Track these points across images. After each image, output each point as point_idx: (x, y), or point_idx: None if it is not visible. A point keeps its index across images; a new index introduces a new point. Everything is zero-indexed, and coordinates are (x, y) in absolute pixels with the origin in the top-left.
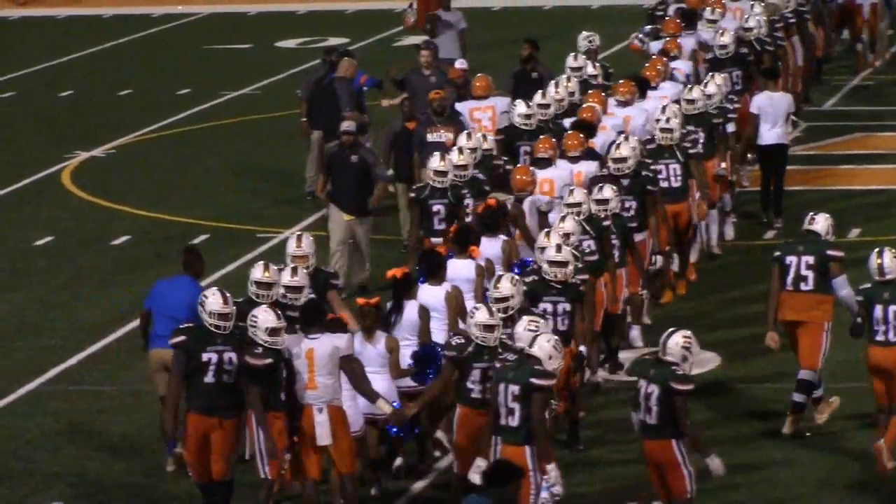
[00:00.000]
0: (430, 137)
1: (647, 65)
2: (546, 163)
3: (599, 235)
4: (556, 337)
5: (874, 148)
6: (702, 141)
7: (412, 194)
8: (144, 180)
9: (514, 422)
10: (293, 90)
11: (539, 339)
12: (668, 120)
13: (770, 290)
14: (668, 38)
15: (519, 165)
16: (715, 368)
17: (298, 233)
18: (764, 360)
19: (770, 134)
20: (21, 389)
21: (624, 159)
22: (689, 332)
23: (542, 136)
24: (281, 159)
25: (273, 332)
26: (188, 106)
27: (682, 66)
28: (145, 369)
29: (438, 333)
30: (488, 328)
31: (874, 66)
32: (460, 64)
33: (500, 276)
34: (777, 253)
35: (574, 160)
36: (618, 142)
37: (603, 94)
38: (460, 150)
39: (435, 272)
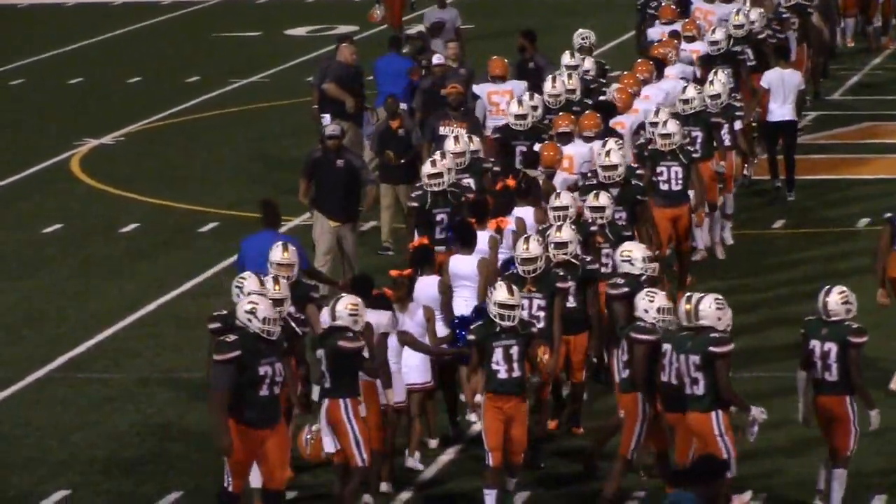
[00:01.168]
0: (443, 131)
1: (656, 44)
2: (567, 138)
3: (585, 241)
4: (714, 295)
5: (883, 137)
6: (700, 141)
7: (414, 203)
8: (153, 168)
9: (699, 390)
10: (302, 78)
11: (702, 305)
12: (665, 124)
13: (878, 248)
14: (686, 21)
15: (546, 143)
16: None
17: (282, 242)
18: (768, 365)
19: (780, 110)
20: (29, 377)
21: (614, 167)
22: (843, 287)
23: (561, 113)
24: (290, 148)
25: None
26: (197, 94)
27: (699, 48)
28: (153, 357)
29: (471, 301)
30: (507, 307)
31: (888, 48)
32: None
33: (528, 237)
34: (888, 214)
35: (589, 140)
36: (608, 148)
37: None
38: (442, 156)
39: (467, 242)
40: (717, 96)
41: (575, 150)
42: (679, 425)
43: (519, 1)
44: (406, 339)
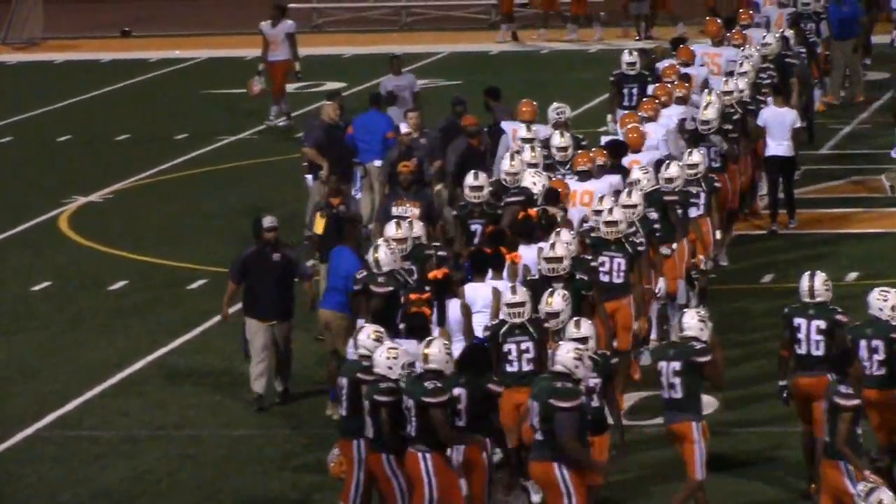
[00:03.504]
0: (395, 211)
1: (657, 85)
2: (586, 175)
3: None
4: (697, 310)
5: (871, 191)
6: (656, 224)
7: (455, 213)
8: (142, 225)
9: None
10: (291, 135)
11: (685, 319)
12: (611, 211)
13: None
14: (657, 86)
15: (555, 179)
16: (712, 412)
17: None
18: (762, 405)
19: (777, 148)
20: (19, 434)
21: (559, 259)
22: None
23: (580, 151)
24: (279, 204)
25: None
26: (186, 151)
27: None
28: (142, 414)
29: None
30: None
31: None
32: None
33: (552, 291)
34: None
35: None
36: (551, 241)
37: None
38: (387, 241)
39: (481, 270)
40: (671, 180)
41: (595, 186)
42: None
43: (516, 54)
44: None
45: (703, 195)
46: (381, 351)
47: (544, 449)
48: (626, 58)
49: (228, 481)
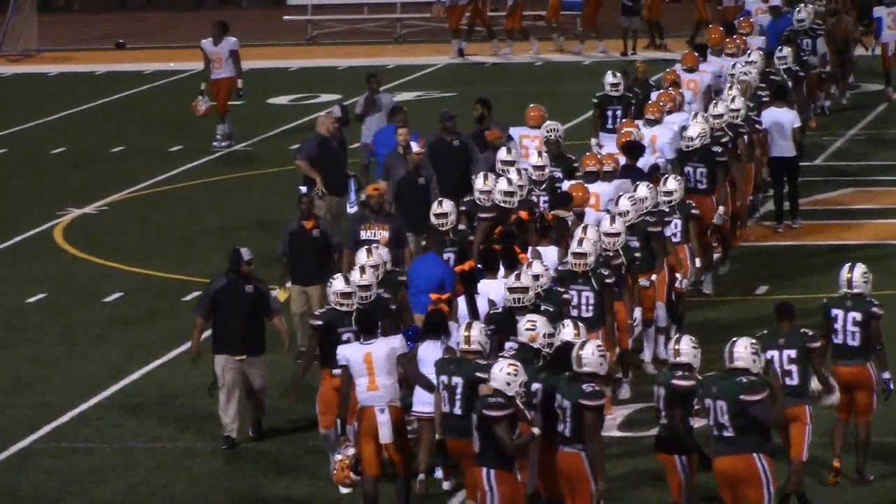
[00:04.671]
0: (364, 235)
1: (660, 93)
2: (593, 177)
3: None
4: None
5: (866, 203)
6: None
7: (423, 243)
8: (137, 237)
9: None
10: (285, 147)
11: (737, 347)
12: (580, 242)
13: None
14: (669, 70)
15: (574, 182)
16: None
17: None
18: None
19: (780, 149)
20: (14, 447)
21: (524, 289)
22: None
23: (587, 153)
24: (274, 216)
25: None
26: (180, 163)
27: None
28: (137, 426)
29: None
30: (519, 290)
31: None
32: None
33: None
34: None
35: (609, 178)
36: (517, 271)
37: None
38: (363, 270)
39: (494, 267)
40: (643, 200)
41: (602, 189)
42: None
43: (510, 66)
44: (410, 362)
45: (678, 223)
46: (500, 366)
47: (739, 444)
48: (609, 79)
49: (223, 493)
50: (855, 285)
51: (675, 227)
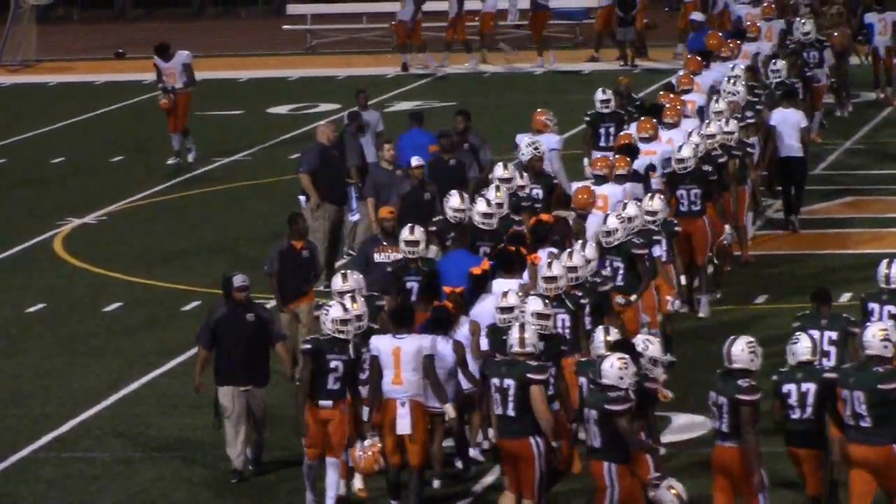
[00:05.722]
0: (378, 258)
1: (672, 97)
2: (602, 180)
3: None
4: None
5: (865, 211)
6: (621, 271)
7: (389, 269)
8: (136, 247)
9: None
10: (285, 156)
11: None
12: (550, 265)
13: None
14: (682, 74)
15: (581, 185)
16: (705, 433)
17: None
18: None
19: (787, 149)
20: (14, 456)
21: (510, 308)
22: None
23: (598, 156)
24: (273, 226)
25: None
26: (179, 172)
27: (696, 99)
28: (137, 436)
29: None
30: (507, 310)
31: (891, 103)
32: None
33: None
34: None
35: (621, 181)
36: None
37: (654, 120)
38: (353, 299)
39: (510, 267)
40: (632, 219)
41: (610, 191)
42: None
43: (510, 76)
44: (432, 369)
45: (663, 241)
46: (611, 361)
47: (879, 435)
48: (599, 96)
49: (223, 502)
50: (892, 281)
51: (661, 248)
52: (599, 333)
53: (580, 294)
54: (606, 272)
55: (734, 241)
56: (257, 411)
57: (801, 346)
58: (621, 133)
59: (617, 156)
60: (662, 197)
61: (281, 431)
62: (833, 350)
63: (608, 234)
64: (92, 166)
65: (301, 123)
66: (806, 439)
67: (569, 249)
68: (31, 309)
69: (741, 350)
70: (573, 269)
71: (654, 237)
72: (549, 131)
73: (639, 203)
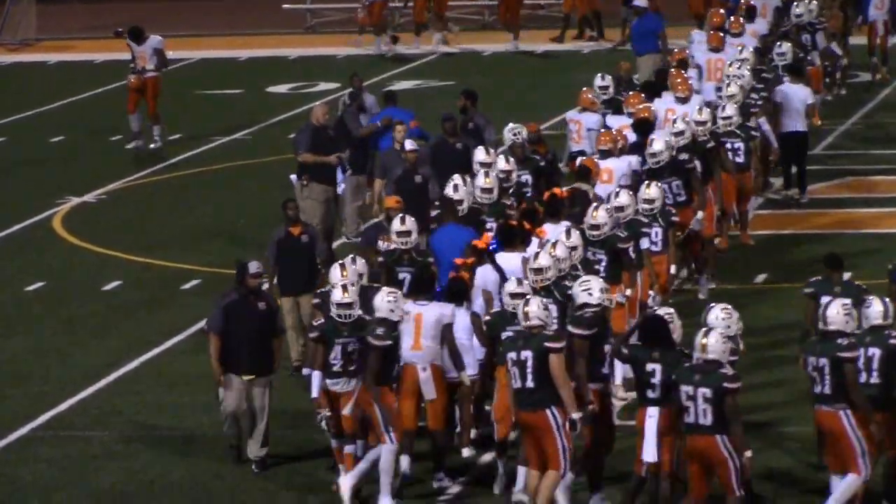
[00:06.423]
0: (384, 247)
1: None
2: (607, 154)
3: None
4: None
5: (864, 191)
6: (604, 263)
7: (381, 259)
8: (136, 225)
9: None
10: (285, 135)
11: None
12: (536, 256)
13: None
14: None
15: (585, 158)
16: None
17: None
18: (761, 392)
19: (791, 123)
20: (13, 435)
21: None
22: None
23: (602, 130)
24: (273, 205)
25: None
26: (179, 151)
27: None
28: (136, 415)
29: None
30: (516, 296)
31: (887, 80)
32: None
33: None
34: (809, 290)
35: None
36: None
37: (642, 94)
38: (344, 288)
39: (511, 241)
40: (622, 209)
41: (615, 165)
42: None
43: (510, 55)
44: (450, 338)
45: (659, 231)
46: (715, 338)
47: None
48: (598, 82)
49: (222, 482)
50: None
51: (655, 237)
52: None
53: (568, 284)
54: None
55: (703, 227)
56: (256, 401)
57: (874, 311)
58: (640, 106)
59: (615, 130)
60: (659, 184)
61: (279, 421)
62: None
63: (595, 227)
64: (91, 145)
65: (301, 102)
66: (875, 403)
67: (552, 240)
68: (31, 288)
69: (836, 312)
70: (539, 270)
71: (643, 229)
72: (594, 109)
73: (631, 192)
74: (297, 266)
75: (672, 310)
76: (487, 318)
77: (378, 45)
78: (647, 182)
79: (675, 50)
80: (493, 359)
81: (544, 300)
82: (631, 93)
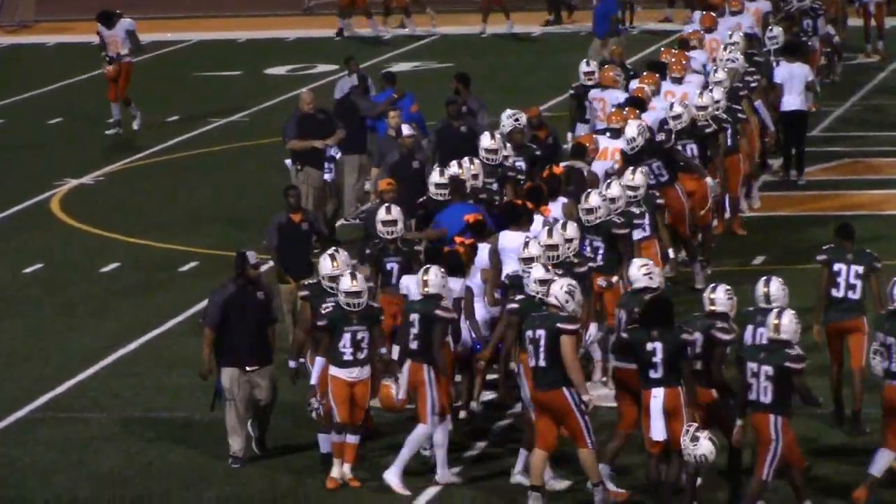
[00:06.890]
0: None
1: (677, 52)
2: (618, 133)
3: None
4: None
5: (863, 173)
6: (601, 250)
7: (367, 251)
8: (134, 208)
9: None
10: (283, 117)
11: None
12: (526, 245)
13: (818, 289)
14: (690, 31)
15: (583, 134)
16: None
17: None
18: None
19: (791, 101)
20: (11, 417)
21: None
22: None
23: (614, 109)
24: (271, 186)
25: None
26: (177, 133)
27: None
28: (134, 397)
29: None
30: (544, 283)
31: (885, 59)
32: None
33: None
34: (822, 257)
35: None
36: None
37: (657, 75)
38: (353, 276)
39: (517, 219)
40: (614, 200)
41: (622, 144)
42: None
43: (507, 37)
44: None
45: (647, 216)
46: (788, 317)
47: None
48: (583, 68)
49: (219, 464)
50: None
51: (643, 231)
52: None
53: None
54: (587, 252)
55: (716, 191)
56: (263, 394)
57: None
58: (635, 87)
59: (615, 110)
60: (644, 171)
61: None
62: (859, 283)
63: (590, 211)
64: (89, 128)
65: (299, 84)
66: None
67: (549, 226)
68: (29, 270)
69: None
70: (553, 247)
71: (636, 220)
72: (617, 87)
73: (622, 183)
74: (298, 252)
75: (574, 281)
76: (515, 305)
77: (374, 26)
78: (630, 169)
79: (687, 31)
80: (518, 343)
81: (571, 283)
82: (645, 73)
